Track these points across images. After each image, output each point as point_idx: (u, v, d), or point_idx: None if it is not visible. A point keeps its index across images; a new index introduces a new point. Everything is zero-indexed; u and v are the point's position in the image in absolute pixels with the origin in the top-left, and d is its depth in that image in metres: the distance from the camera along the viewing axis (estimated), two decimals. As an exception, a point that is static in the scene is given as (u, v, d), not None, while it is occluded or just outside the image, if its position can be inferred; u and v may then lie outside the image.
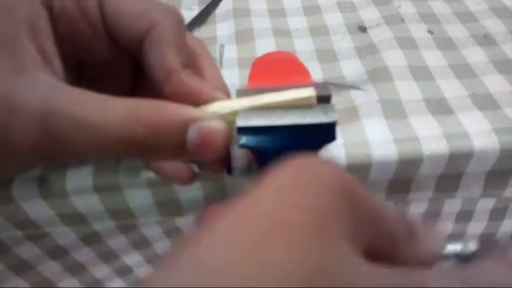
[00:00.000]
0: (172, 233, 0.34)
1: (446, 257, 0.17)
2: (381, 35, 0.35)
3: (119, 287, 0.37)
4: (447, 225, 0.33)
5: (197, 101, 0.20)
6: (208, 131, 0.18)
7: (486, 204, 0.32)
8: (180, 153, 0.19)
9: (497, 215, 0.33)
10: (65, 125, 0.16)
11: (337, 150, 0.26)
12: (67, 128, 0.16)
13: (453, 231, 0.34)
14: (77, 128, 0.16)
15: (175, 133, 0.18)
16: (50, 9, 0.19)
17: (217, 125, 0.19)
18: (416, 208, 0.32)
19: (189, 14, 0.39)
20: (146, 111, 0.17)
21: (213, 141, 0.19)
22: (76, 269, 0.32)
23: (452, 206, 0.32)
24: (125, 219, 0.29)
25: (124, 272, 0.36)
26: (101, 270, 0.34)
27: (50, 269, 0.33)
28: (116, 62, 0.23)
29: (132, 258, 0.36)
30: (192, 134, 0.18)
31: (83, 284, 0.35)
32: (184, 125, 0.18)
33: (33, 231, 0.28)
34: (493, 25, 0.35)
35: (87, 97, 0.17)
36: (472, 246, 0.18)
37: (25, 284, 0.33)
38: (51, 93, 0.17)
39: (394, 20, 0.36)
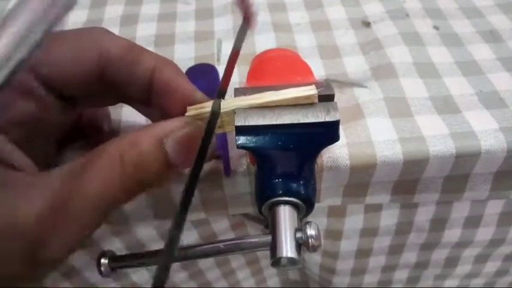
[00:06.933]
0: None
1: None
2: (385, 30, 0.34)
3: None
4: (455, 232, 0.33)
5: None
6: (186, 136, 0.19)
7: (494, 209, 0.31)
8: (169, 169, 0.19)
9: (506, 220, 0.32)
10: None
11: (340, 150, 0.25)
12: None
13: (461, 238, 0.33)
14: None
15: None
16: None
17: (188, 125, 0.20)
18: (424, 213, 0.31)
19: (185, 8, 0.38)
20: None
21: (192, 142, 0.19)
22: (69, 273, 0.32)
23: (460, 210, 0.31)
24: (119, 223, 0.28)
25: (120, 275, 0.35)
26: (95, 275, 0.34)
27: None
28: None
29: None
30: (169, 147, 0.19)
31: None
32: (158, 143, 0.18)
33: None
34: (500, 21, 0.35)
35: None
36: None
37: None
38: None
39: (398, 14, 0.35)
